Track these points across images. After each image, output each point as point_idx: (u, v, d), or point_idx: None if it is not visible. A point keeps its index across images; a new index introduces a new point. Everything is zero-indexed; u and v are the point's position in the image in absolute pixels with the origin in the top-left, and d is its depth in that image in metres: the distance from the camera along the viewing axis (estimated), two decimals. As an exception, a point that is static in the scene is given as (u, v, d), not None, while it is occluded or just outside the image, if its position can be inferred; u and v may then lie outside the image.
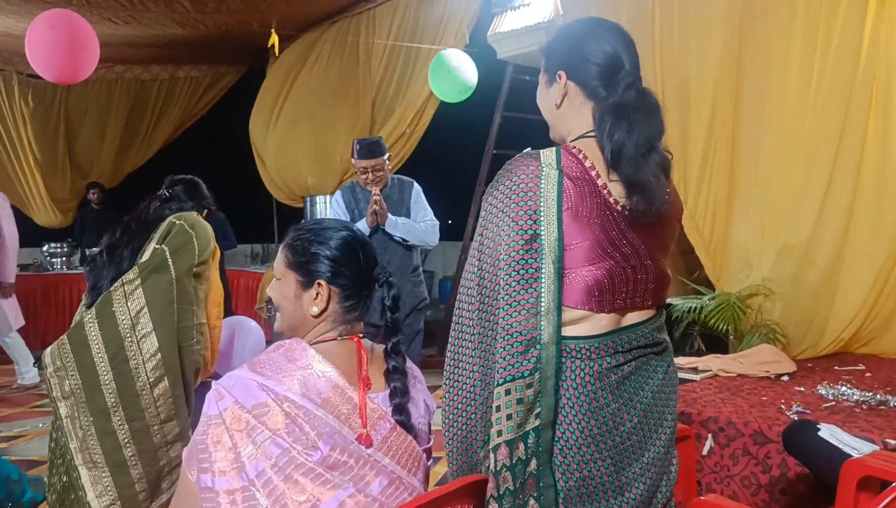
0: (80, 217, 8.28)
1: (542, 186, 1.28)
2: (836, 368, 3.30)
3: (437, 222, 3.75)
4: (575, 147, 1.35)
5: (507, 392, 1.23)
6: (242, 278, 8.44)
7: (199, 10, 6.37)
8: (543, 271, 1.26)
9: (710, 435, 2.58)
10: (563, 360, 1.29)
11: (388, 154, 3.59)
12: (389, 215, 3.51)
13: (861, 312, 3.45)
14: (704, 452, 2.58)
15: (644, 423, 1.35)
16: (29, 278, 7.41)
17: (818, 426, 1.98)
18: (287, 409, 1.26)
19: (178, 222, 2.39)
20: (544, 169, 1.30)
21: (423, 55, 6.05)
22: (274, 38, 4.80)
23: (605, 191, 1.31)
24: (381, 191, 3.55)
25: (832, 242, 3.48)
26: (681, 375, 3.24)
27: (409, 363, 1.52)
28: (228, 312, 4.45)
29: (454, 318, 1.37)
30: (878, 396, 2.73)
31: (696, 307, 3.61)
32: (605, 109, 1.34)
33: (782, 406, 2.65)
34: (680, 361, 3.37)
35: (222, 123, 9.56)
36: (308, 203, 7.18)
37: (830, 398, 2.78)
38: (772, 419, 2.49)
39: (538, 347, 1.25)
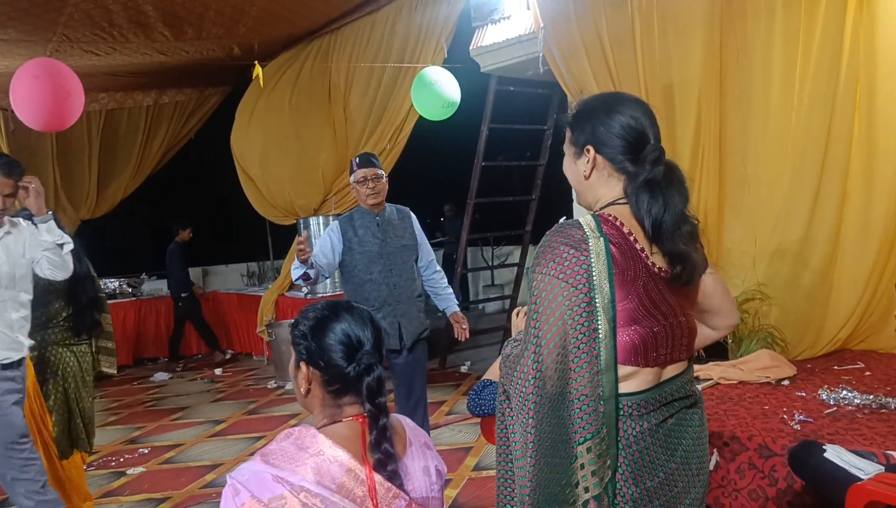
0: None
1: (591, 249, 1.37)
2: (836, 368, 3.32)
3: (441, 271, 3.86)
4: (610, 215, 1.44)
5: (589, 450, 1.34)
6: (243, 300, 8.39)
7: (180, 38, 6.36)
8: (600, 330, 1.36)
9: (714, 450, 2.61)
10: (620, 417, 1.39)
11: (383, 169, 3.60)
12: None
13: (857, 310, 3.48)
14: (711, 467, 2.60)
15: (686, 469, 1.48)
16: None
17: (824, 447, 2.00)
18: (304, 499, 1.27)
19: None
20: (588, 234, 1.39)
21: (401, 70, 6.06)
22: (258, 70, 4.78)
23: (644, 255, 1.42)
24: (381, 214, 3.57)
25: (825, 242, 3.50)
26: (683, 386, 3.26)
27: (419, 430, 1.53)
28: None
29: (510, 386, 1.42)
30: (880, 399, 2.76)
31: (694, 315, 3.62)
32: (638, 184, 1.46)
33: (784, 416, 2.68)
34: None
35: (211, 145, 9.53)
36: (301, 224, 7.18)
37: (832, 403, 2.81)
38: (775, 432, 2.52)
39: (602, 402, 1.35)
